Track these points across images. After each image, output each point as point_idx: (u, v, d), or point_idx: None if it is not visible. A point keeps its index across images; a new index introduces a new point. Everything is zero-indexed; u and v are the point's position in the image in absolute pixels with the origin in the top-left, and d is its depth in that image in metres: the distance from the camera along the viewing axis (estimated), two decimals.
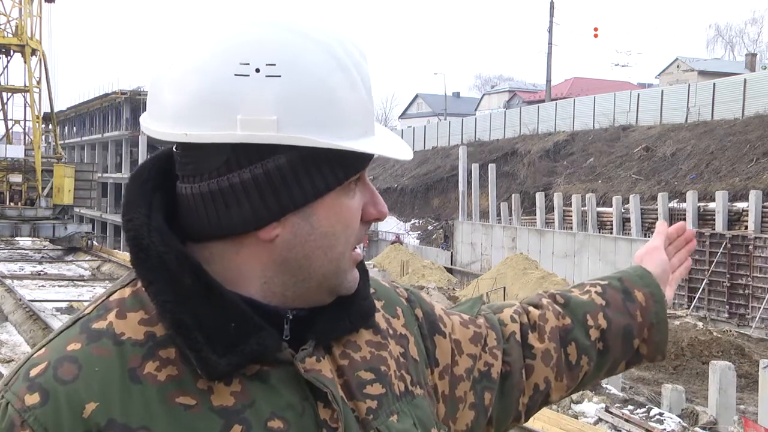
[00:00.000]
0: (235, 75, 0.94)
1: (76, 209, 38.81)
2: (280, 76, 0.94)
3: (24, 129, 37.85)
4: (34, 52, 34.52)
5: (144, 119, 1.03)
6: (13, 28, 34.77)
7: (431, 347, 1.23)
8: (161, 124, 0.99)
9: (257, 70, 0.94)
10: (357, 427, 1.05)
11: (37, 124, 35.15)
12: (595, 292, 1.41)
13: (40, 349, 0.98)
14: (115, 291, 1.03)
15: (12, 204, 34.72)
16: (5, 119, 36.88)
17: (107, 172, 61.86)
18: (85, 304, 1.06)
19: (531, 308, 1.39)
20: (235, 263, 1.01)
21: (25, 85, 35.52)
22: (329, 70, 0.97)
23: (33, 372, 0.94)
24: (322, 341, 1.07)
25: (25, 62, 34.65)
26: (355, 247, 1.06)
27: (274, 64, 0.94)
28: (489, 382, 1.28)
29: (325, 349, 1.08)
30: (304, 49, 0.96)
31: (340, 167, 0.99)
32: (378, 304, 1.18)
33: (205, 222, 1.00)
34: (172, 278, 0.96)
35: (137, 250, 0.98)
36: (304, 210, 0.99)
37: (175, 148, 1.03)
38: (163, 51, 1.05)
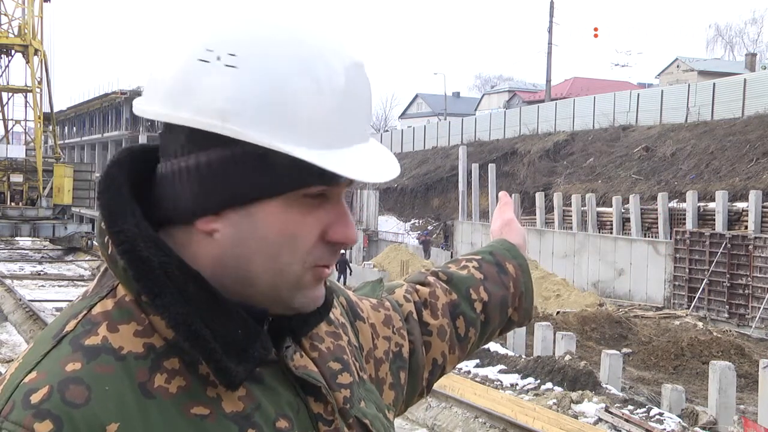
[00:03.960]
0: (198, 60, 0.94)
1: (76, 209, 38.82)
2: (236, 67, 0.92)
3: (24, 129, 37.87)
4: (36, 52, 34.53)
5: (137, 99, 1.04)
6: (15, 29, 34.79)
7: (356, 333, 1.26)
8: (144, 102, 1.00)
9: (218, 58, 0.93)
10: (340, 418, 1.07)
11: (39, 124, 35.16)
12: (473, 267, 1.48)
13: (28, 372, 0.91)
14: (95, 304, 0.98)
15: (13, 204, 34.72)
16: (4, 119, 36.89)
17: None
18: (58, 320, 0.99)
19: (419, 286, 1.44)
20: (190, 253, 0.99)
21: (26, 85, 35.55)
22: (292, 72, 0.93)
23: (34, 398, 0.87)
24: (296, 337, 1.08)
25: (27, 62, 34.66)
26: (325, 266, 1.01)
27: (235, 55, 0.93)
28: (402, 361, 1.33)
29: (297, 344, 1.09)
30: (270, 46, 0.94)
31: (287, 176, 0.94)
32: None
33: (164, 203, 0.99)
34: (179, 288, 0.94)
35: (137, 263, 0.94)
36: (245, 209, 0.95)
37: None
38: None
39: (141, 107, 1.00)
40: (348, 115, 0.96)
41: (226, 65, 0.93)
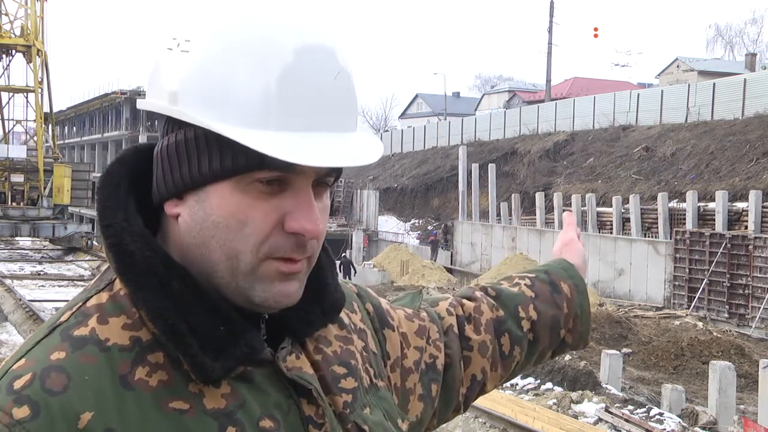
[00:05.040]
0: (167, 49, 0.98)
1: (75, 209, 38.80)
2: (188, 51, 0.96)
3: (25, 129, 37.85)
4: (38, 52, 34.51)
5: None
6: (15, 28, 34.76)
7: (382, 340, 1.25)
8: None
9: (178, 45, 0.97)
10: (336, 422, 1.06)
11: (40, 124, 35.13)
12: (525, 284, 1.46)
13: (18, 360, 0.94)
14: (91, 297, 1.00)
15: (14, 204, 34.69)
16: (2, 120, 36.86)
17: None
18: (58, 311, 1.02)
19: (465, 301, 1.42)
20: (167, 237, 1.02)
21: (27, 85, 35.56)
22: (231, 52, 0.94)
23: (17, 384, 0.90)
24: (298, 338, 1.08)
25: (29, 63, 34.64)
26: (293, 260, 0.98)
27: (190, 41, 0.96)
28: (435, 373, 1.31)
29: (300, 345, 1.09)
30: (218, 29, 0.96)
31: (229, 156, 0.94)
32: None
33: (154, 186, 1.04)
34: (161, 283, 0.96)
35: (122, 256, 0.97)
36: (200, 193, 0.97)
37: None
38: None
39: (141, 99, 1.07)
40: (296, 98, 0.94)
41: (182, 51, 0.96)
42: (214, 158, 0.95)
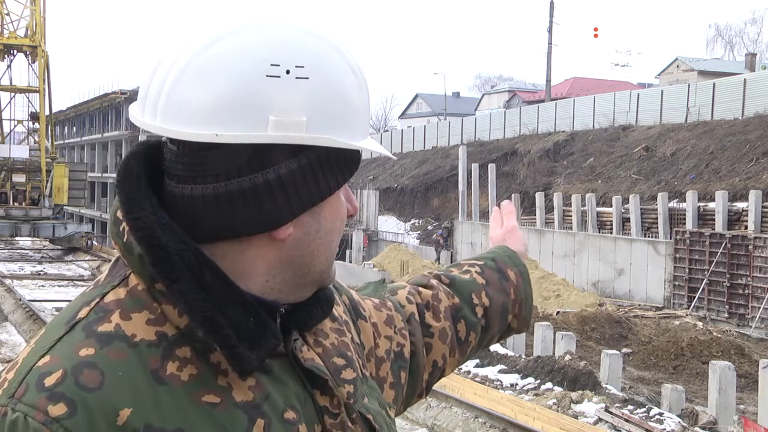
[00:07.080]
0: (267, 76, 0.95)
1: (75, 209, 38.80)
2: (308, 78, 0.97)
3: (27, 129, 37.85)
4: (41, 52, 34.53)
5: (147, 118, 0.99)
6: (18, 29, 34.75)
7: (358, 331, 1.28)
8: (181, 124, 0.95)
9: (287, 72, 0.96)
10: (346, 412, 1.09)
11: (44, 124, 35.12)
12: (475, 272, 1.50)
13: (41, 357, 0.92)
14: (107, 292, 1.00)
15: (16, 204, 34.67)
16: (0, 119, 36.86)
17: (107, 172, 61.86)
18: (70, 307, 1.01)
19: (422, 289, 1.46)
20: (239, 263, 1.00)
21: (29, 85, 35.58)
22: (345, 72, 1.01)
23: (48, 381, 0.89)
24: (302, 331, 1.10)
25: (34, 62, 34.66)
26: None
27: (303, 66, 0.97)
28: (403, 361, 1.35)
29: (302, 339, 1.11)
30: (324, 51, 1.00)
31: (347, 167, 1.03)
32: None
33: (216, 223, 0.97)
34: (194, 276, 0.95)
35: (155, 249, 0.95)
36: (314, 209, 1.02)
37: (177, 147, 0.99)
38: (166, 48, 0.99)
39: (193, 131, 0.94)
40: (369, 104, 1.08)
41: (298, 77, 0.96)
42: (337, 172, 1.02)
